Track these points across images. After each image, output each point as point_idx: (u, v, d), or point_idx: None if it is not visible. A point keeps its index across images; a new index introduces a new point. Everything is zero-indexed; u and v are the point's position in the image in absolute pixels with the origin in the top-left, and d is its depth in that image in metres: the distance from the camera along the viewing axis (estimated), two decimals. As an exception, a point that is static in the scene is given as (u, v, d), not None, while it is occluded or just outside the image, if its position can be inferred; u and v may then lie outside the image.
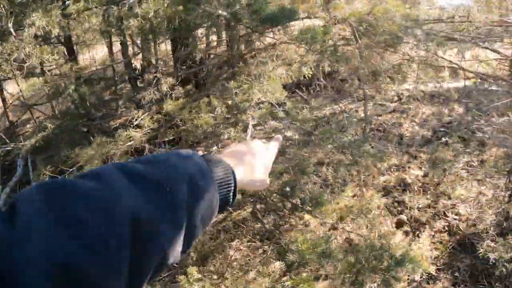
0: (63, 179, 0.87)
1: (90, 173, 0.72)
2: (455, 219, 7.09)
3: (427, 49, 5.17)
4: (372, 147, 8.61)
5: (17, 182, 8.47)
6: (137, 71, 9.22)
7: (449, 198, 7.46)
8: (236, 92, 4.77)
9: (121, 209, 0.66)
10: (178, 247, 0.77)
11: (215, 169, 0.90)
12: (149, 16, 4.54)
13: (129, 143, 4.98)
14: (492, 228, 6.60)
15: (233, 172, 0.93)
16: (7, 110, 11.58)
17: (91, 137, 5.62)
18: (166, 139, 5.67)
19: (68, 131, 7.80)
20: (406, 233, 6.85)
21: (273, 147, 1.22)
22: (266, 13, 4.09)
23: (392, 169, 8.06)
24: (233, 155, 1.04)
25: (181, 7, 4.45)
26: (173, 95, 5.53)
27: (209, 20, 4.81)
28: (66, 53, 9.89)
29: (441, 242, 6.71)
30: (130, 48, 10.21)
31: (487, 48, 7.79)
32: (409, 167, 8.28)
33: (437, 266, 6.30)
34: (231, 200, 0.94)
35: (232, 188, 0.93)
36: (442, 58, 9.36)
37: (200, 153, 1.00)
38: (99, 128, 7.90)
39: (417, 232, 6.85)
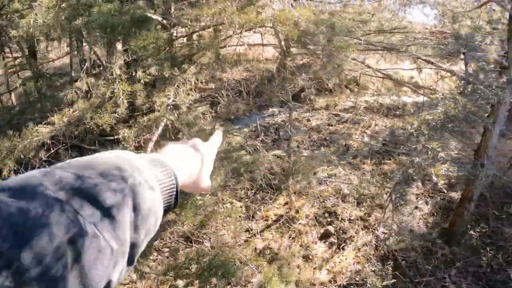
0: None
1: (13, 186, 0.59)
2: (384, 233, 6.87)
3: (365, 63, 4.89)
4: (307, 156, 8.46)
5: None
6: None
7: (383, 212, 7.24)
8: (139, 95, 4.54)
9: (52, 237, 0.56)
10: (121, 267, 0.66)
11: (158, 174, 0.80)
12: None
13: (36, 138, 4.76)
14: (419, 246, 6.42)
15: (175, 176, 0.82)
16: None
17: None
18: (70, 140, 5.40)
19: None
20: (331, 245, 6.61)
21: (214, 144, 1.13)
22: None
23: (331, 179, 7.83)
24: (173, 156, 0.93)
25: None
26: (93, 94, 5.28)
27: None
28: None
29: (365, 256, 6.48)
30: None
31: (429, 62, 7.55)
32: (349, 178, 8.05)
33: (356, 281, 6.08)
34: (172, 206, 0.83)
35: (175, 193, 0.82)
36: (388, 72, 9.23)
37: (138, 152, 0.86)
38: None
39: (343, 245, 6.61)
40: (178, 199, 0.84)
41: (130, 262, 0.70)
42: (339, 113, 10.28)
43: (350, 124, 9.81)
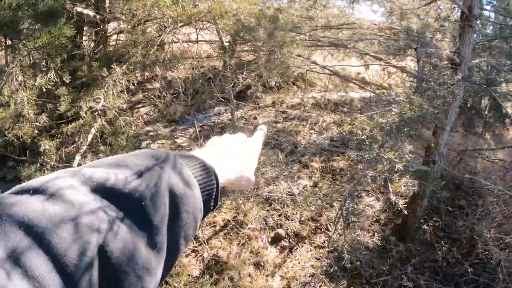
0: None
1: (45, 187, 0.55)
2: (338, 233, 6.55)
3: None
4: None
5: None
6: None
7: (329, 198, 6.93)
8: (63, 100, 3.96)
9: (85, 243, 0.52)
10: (157, 276, 0.61)
11: (196, 172, 0.73)
12: None
13: None
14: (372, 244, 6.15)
15: (215, 174, 0.76)
16: None
17: None
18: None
19: None
20: (283, 249, 6.22)
21: (258, 140, 1.10)
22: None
23: (279, 179, 7.44)
24: (215, 153, 0.89)
25: None
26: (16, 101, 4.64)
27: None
28: None
29: (318, 259, 6.13)
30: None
31: (378, 58, 7.32)
32: (298, 177, 7.70)
33: (310, 286, 5.73)
34: (212, 206, 0.77)
35: (214, 192, 0.76)
36: (335, 68, 8.99)
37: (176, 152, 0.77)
38: None
39: (295, 248, 6.24)
40: (219, 199, 0.78)
41: (166, 268, 0.64)
42: (287, 110, 9.92)
43: (297, 121, 9.47)
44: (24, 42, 3.66)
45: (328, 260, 6.05)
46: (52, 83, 3.75)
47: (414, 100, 3.41)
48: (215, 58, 8.81)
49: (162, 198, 0.62)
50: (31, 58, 3.89)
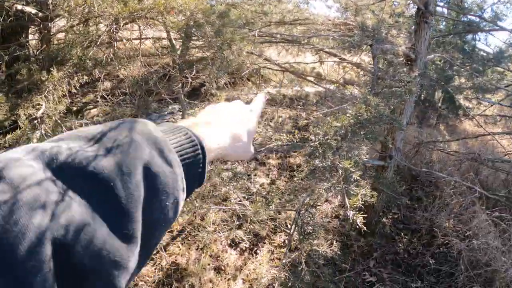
0: None
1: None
2: (296, 231, 6.37)
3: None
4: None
5: None
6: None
7: (293, 207, 6.74)
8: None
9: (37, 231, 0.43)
10: (130, 268, 0.52)
11: (178, 145, 0.63)
12: None
13: None
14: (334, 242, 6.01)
15: (202, 146, 0.67)
16: None
17: None
18: None
19: None
20: (243, 251, 5.99)
21: (257, 107, 1.01)
22: None
23: (236, 177, 7.20)
24: (209, 120, 0.80)
25: None
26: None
27: None
28: None
29: (279, 259, 5.94)
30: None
31: (332, 54, 7.20)
32: (255, 175, 7.48)
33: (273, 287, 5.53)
34: (197, 184, 0.69)
35: (200, 167, 0.67)
36: (302, 64, 8.82)
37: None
38: None
39: (255, 248, 6.03)
40: (205, 175, 0.69)
41: (143, 259, 0.56)
42: (242, 106, 9.68)
43: (253, 118, 9.25)
44: None
45: (290, 259, 5.88)
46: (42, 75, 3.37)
47: (371, 100, 3.22)
48: (165, 56, 8.48)
49: (136, 177, 0.53)
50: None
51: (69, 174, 0.49)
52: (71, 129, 4.05)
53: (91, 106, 9.05)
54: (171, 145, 0.62)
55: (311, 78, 9.17)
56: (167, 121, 8.24)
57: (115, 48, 3.88)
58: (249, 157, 0.94)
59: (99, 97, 4.31)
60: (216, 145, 0.75)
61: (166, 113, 8.97)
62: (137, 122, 0.62)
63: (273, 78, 11.27)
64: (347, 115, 3.12)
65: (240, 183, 6.85)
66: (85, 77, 3.78)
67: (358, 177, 2.83)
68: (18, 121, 3.69)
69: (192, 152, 0.66)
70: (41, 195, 0.45)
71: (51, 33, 6.50)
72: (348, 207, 2.71)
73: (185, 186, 0.63)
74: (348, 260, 5.82)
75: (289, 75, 10.12)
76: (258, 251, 5.99)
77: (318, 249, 3.73)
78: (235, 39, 3.87)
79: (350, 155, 3.02)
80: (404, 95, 3.73)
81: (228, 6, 5.56)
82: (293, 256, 4.49)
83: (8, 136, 3.63)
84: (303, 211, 3.44)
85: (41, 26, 6.05)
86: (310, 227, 3.35)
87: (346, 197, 2.79)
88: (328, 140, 2.91)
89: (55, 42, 6.93)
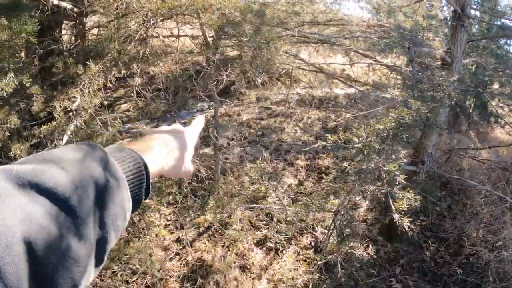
0: None
1: None
2: (323, 233, 6.28)
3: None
4: (238, 154, 7.76)
5: None
6: None
7: (321, 210, 6.64)
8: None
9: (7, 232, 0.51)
10: (88, 269, 0.61)
11: (124, 164, 0.74)
12: None
13: None
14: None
15: (145, 165, 0.78)
16: None
17: None
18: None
19: None
20: (269, 250, 5.94)
21: (195, 129, 1.11)
22: None
23: (264, 177, 7.14)
24: (152, 144, 0.89)
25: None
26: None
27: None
28: None
29: (305, 260, 5.86)
30: None
31: (368, 56, 7.08)
32: (283, 175, 7.41)
33: (298, 288, 5.47)
34: (143, 197, 0.79)
35: (145, 183, 0.77)
36: (321, 66, 8.72)
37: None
38: None
39: (281, 249, 5.96)
40: (150, 189, 0.79)
41: (98, 260, 0.65)
42: (271, 106, 9.61)
43: (282, 118, 9.17)
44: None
45: (316, 261, 5.80)
46: (14, 86, 3.36)
47: (412, 103, 3.12)
48: (197, 53, 8.47)
49: (86, 190, 0.63)
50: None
51: (35, 189, 0.57)
52: (105, 123, 4.06)
53: (122, 101, 9.13)
54: (118, 164, 0.72)
55: (341, 80, 9.06)
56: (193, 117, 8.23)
57: (151, 45, 3.86)
58: (188, 175, 1.03)
59: (134, 92, 4.29)
60: (158, 166, 0.86)
61: (195, 110, 8.98)
62: (88, 144, 0.72)
63: (303, 78, 11.17)
64: (389, 117, 3.02)
65: (269, 183, 6.81)
66: (119, 72, 3.77)
67: (402, 180, 2.75)
68: (54, 112, 3.71)
69: (138, 172, 0.76)
70: (15, 206, 0.53)
71: (86, 28, 6.56)
72: (394, 210, 2.63)
73: (130, 197, 0.71)
74: (375, 266, 5.70)
75: (319, 76, 10.03)
76: (284, 252, 5.92)
77: (354, 252, 3.65)
78: (274, 38, 3.81)
79: (392, 157, 2.93)
80: (443, 99, 3.61)
81: (261, 6, 5.51)
82: (329, 257, 4.41)
83: (44, 127, 3.66)
84: (342, 213, 3.36)
85: (77, 21, 6.11)
86: (348, 229, 3.27)
87: (391, 200, 2.71)
88: (371, 142, 2.83)
89: (89, 37, 7.00)
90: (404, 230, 6.28)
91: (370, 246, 4.20)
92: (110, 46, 3.94)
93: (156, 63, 4.12)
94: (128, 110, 8.57)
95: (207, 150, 7.32)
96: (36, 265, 0.54)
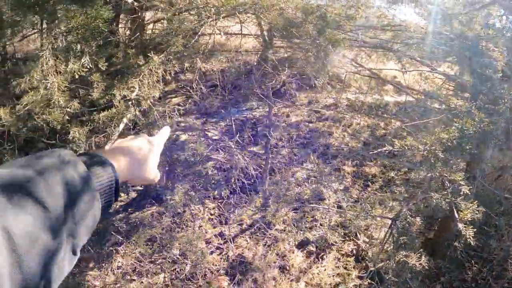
0: None
1: None
2: (365, 242, 6.17)
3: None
4: (286, 155, 7.71)
5: None
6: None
7: (365, 218, 6.51)
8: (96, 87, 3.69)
9: None
10: (59, 258, 0.69)
11: (96, 171, 0.83)
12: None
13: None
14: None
15: (114, 170, 0.86)
16: None
17: None
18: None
19: None
20: (309, 254, 5.88)
21: (160, 139, 1.16)
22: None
23: (310, 180, 7.08)
24: (118, 152, 0.97)
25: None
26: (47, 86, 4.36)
27: None
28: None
29: (345, 268, 5.77)
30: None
31: (426, 64, 6.90)
32: (329, 180, 7.32)
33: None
34: (113, 202, 0.88)
35: (114, 186, 0.86)
36: (378, 72, 8.56)
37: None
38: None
39: (322, 254, 5.89)
40: (118, 195, 0.87)
41: (73, 252, 0.72)
42: (320, 110, 9.52)
43: (331, 122, 9.06)
44: (57, 23, 3.41)
45: (356, 270, 5.70)
46: (86, 69, 3.47)
47: (476, 114, 3.00)
48: (251, 52, 8.48)
49: (58, 191, 0.70)
50: (64, 42, 3.59)
51: (12, 191, 0.64)
52: (162, 114, 4.12)
53: (173, 95, 9.26)
54: (85, 168, 0.79)
55: (393, 86, 8.86)
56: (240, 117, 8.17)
57: (213, 40, 3.89)
58: (154, 182, 1.10)
59: (192, 85, 4.32)
60: (125, 175, 0.94)
61: (244, 108, 9.00)
62: (61, 151, 0.80)
63: (353, 83, 11.00)
64: (453, 127, 2.92)
65: (314, 186, 6.75)
66: (181, 65, 3.81)
67: (467, 191, 2.65)
68: (113, 100, 3.78)
69: (106, 173, 0.83)
70: None
71: (145, 21, 6.69)
72: (458, 220, 2.54)
73: (99, 198, 0.79)
74: (416, 280, 5.55)
75: (370, 82, 9.85)
76: (324, 257, 5.85)
77: (408, 261, 3.56)
78: (337, 41, 3.76)
79: (453, 168, 2.84)
80: (504, 113, 3.47)
81: (317, 7, 5.44)
82: (380, 265, 4.33)
83: (103, 113, 3.75)
84: (400, 221, 3.28)
85: (138, 14, 6.24)
86: (405, 238, 3.19)
87: (455, 210, 2.62)
88: (436, 151, 2.74)
89: (147, 31, 7.14)
90: (450, 246, 6.10)
91: (423, 257, 4.08)
92: (174, 39, 3.98)
93: (216, 59, 4.14)
94: (179, 104, 8.68)
95: (256, 149, 7.33)
96: (12, 252, 0.60)
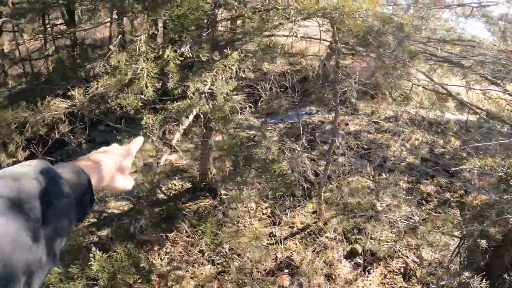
0: None
1: None
2: (414, 261, 6.01)
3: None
4: (343, 164, 7.61)
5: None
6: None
7: (416, 237, 6.34)
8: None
9: None
10: (38, 255, 0.73)
11: (69, 176, 0.88)
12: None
13: (51, 113, 4.09)
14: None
15: (89, 181, 0.92)
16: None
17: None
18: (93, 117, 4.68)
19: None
20: (357, 265, 5.80)
21: (131, 149, 1.21)
22: None
23: (364, 192, 6.96)
24: (90, 163, 1.02)
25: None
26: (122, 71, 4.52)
27: None
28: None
29: (392, 285, 5.65)
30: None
31: (496, 83, 6.65)
32: (383, 193, 7.18)
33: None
34: (88, 209, 0.94)
35: (88, 193, 0.91)
36: (446, 87, 8.31)
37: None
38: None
39: (369, 267, 5.79)
40: (94, 201, 0.92)
41: (52, 254, 0.76)
42: (379, 121, 9.35)
43: (389, 135, 8.89)
44: (149, 13, 3.53)
45: None
46: (182, 58, 3.57)
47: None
48: (314, 57, 8.44)
49: (34, 197, 0.74)
50: (159, 30, 3.70)
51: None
52: (232, 110, 4.17)
53: (234, 93, 9.34)
54: (63, 176, 0.84)
55: (453, 104, 8.60)
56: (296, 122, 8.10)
57: (292, 42, 3.90)
58: (126, 190, 1.13)
59: (267, 85, 4.35)
60: (100, 183, 1.00)
61: (303, 113, 8.98)
62: (39, 162, 0.83)
63: (415, 97, 10.72)
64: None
65: (368, 198, 6.64)
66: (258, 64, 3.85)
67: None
68: (187, 91, 3.86)
69: (80, 181, 0.89)
70: None
71: (217, 20, 6.80)
72: None
73: (74, 203, 0.83)
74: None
75: (432, 97, 9.58)
76: (371, 271, 5.75)
77: (469, 281, 3.46)
78: (416, 53, 3.69)
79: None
80: None
81: (389, 18, 5.35)
82: (442, 283, 4.23)
83: (178, 103, 3.83)
84: (469, 239, 3.20)
85: (213, 12, 6.34)
86: (471, 258, 3.10)
87: None
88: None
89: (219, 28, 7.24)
90: (499, 277, 5.85)
91: (484, 281, 3.94)
92: (248, 38, 4.02)
93: (295, 59, 4.14)
94: (239, 102, 8.75)
95: (314, 154, 7.29)
96: None
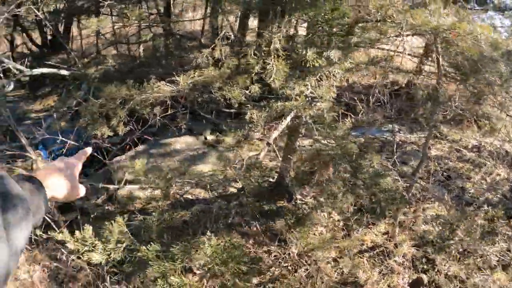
0: None
1: None
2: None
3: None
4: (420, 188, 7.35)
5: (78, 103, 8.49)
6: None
7: (486, 280, 6.01)
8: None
9: None
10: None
11: (25, 185, 1.00)
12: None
13: (155, 95, 4.28)
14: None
15: (45, 193, 1.05)
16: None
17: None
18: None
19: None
20: (420, 296, 5.60)
21: (76, 159, 1.31)
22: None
23: (440, 221, 6.71)
24: (46, 175, 1.13)
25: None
26: (224, 64, 4.64)
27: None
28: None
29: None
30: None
31: None
32: (457, 225, 6.89)
33: None
34: (44, 210, 1.04)
35: (43, 201, 1.04)
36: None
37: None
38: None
39: (433, 302, 5.58)
40: (48, 208, 1.06)
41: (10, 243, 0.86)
42: (462, 149, 9.00)
43: (470, 165, 8.52)
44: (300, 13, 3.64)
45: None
46: (321, 61, 3.61)
47: None
48: (402, 73, 8.25)
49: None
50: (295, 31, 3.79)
51: None
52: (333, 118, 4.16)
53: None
54: (18, 186, 0.95)
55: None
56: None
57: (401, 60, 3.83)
58: (75, 198, 1.25)
59: (364, 98, 4.32)
60: (52, 193, 1.10)
61: (384, 129, 8.81)
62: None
63: (502, 128, 10.13)
64: None
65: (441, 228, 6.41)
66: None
67: None
68: (291, 92, 3.89)
69: (36, 190, 1.01)
70: None
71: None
72: None
73: (28, 207, 0.93)
74: None
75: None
76: (435, 304, 5.55)
77: None
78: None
79: None
80: None
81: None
82: None
83: (283, 103, 3.86)
84: None
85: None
86: None
87: None
88: None
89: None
90: None
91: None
92: (354, 48, 4.00)
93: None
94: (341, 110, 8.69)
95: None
96: None
